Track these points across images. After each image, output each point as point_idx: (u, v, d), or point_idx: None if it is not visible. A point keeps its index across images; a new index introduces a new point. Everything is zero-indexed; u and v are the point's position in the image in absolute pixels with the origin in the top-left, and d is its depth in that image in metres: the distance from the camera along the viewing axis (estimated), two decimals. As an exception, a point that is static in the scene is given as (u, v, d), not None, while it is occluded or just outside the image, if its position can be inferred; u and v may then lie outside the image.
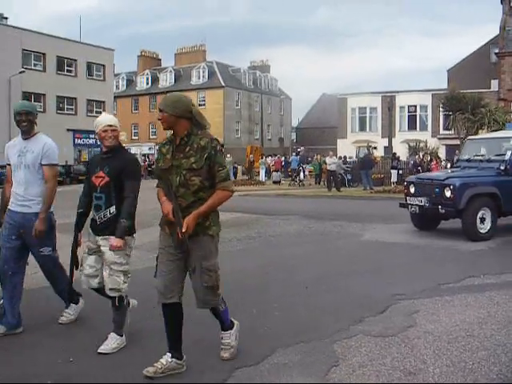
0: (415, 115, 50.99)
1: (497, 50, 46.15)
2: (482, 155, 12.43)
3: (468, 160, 12.76)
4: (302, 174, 36.15)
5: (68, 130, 45.60)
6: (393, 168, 31.62)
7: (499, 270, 8.11)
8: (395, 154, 33.69)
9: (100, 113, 49.14)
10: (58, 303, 6.49)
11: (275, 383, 4.24)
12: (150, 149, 67.73)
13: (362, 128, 53.04)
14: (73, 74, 47.14)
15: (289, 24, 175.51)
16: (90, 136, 48.23)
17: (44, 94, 44.03)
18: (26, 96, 42.15)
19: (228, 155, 45.84)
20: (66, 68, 46.53)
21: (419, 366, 4.49)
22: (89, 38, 78.92)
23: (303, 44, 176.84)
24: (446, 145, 44.74)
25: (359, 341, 5.08)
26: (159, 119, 4.36)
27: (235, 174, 41.26)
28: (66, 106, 46.64)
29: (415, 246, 10.52)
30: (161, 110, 4.32)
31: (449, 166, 26.17)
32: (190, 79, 66.49)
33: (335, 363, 4.55)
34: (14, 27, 43.29)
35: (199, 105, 64.92)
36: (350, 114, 53.40)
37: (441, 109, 39.14)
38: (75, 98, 47.13)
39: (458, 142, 38.13)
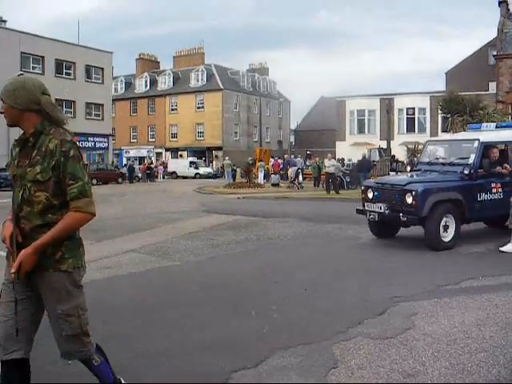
0: (413, 117, 51.06)
1: (495, 53, 46.20)
2: (444, 158, 11.87)
3: (429, 163, 12.05)
4: (300, 176, 36.15)
5: (67, 132, 45.64)
6: (392, 170, 31.64)
7: (498, 271, 8.12)
8: (394, 156, 33.72)
9: (99, 116, 49.34)
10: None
11: (274, 385, 4.24)
12: (148, 151, 67.75)
13: (361, 130, 53.08)
14: (71, 77, 47.17)
15: (288, 27, 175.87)
16: (89, 139, 48.34)
17: (43, 97, 44.06)
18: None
19: (226, 158, 45.93)
20: (64, 71, 46.56)
21: (418, 367, 4.49)
22: (87, 41, 78.93)
23: (302, 47, 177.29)
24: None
25: (358, 343, 5.08)
26: (1, 112, 3.27)
27: (234, 177, 41.23)
28: (64, 109, 46.58)
29: (413, 248, 10.51)
30: (2, 100, 3.25)
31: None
32: (189, 82, 66.54)
33: (334, 365, 4.55)
34: (12, 30, 43.31)
35: (198, 107, 65.03)
36: (349, 117, 53.44)
37: (439, 111, 39.18)
38: (74, 101, 47.13)
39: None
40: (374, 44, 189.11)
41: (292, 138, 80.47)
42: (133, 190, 33.64)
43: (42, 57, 44.36)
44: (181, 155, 65.48)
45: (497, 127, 12.51)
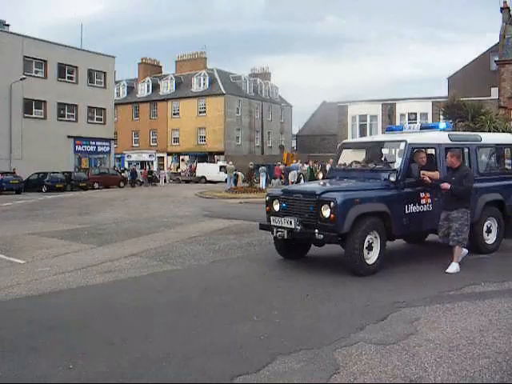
0: (415, 123, 51.04)
1: (497, 58, 46.27)
2: (364, 163, 10.26)
3: (345, 169, 10.40)
4: (302, 180, 36.12)
5: (69, 136, 45.61)
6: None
7: (500, 277, 8.11)
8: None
9: (101, 120, 49.41)
10: (56, 311, 6.51)
11: (276, 391, 4.23)
12: (150, 156, 67.76)
13: (363, 135, 52.98)
14: (74, 81, 47.20)
15: (292, 32, 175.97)
16: (91, 143, 48.38)
17: (45, 101, 44.08)
18: (27, 103, 42.42)
19: (230, 162, 45.91)
20: (67, 75, 46.59)
21: (420, 373, 4.48)
22: (90, 46, 79.17)
23: (305, 52, 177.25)
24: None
25: (360, 348, 5.07)
26: None
27: (236, 182, 41.23)
28: (66, 113, 46.63)
29: (416, 253, 10.50)
30: None
31: None
32: (191, 86, 66.58)
33: (336, 371, 4.54)
34: (15, 34, 43.35)
35: (200, 112, 65.10)
36: (351, 122, 53.43)
37: (441, 116, 39.18)
38: (76, 105, 47.16)
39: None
40: (376, 49, 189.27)
41: (294, 143, 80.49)
42: (135, 194, 33.65)
43: (45, 61, 44.41)
44: (182, 160, 65.53)
45: (421, 128, 10.73)
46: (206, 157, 63.72)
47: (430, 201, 9.30)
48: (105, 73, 50.33)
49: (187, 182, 53.94)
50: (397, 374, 4.48)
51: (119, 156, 64.59)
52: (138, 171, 51.18)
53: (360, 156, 10.67)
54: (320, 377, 4.44)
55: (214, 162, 59.37)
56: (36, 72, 44.04)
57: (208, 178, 53.01)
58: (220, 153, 62.97)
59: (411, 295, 7.05)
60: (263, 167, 41.24)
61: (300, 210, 8.80)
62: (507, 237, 10.69)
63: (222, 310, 6.54)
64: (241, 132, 66.45)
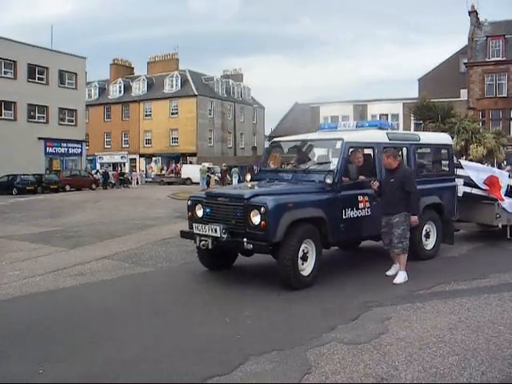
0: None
1: (466, 60, 47.03)
2: (297, 163, 9.40)
3: (276, 170, 9.56)
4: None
5: (39, 138, 44.98)
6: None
7: (470, 276, 8.23)
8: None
9: (72, 121, 48.87)
10: (25, 315, 6.42)
11: (248, 392, 4.24)
12: (122, 157, 67.28)
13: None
14: (44, 82, 46.56)
15: (265, 34, 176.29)
16: (62, 145, 47.76)
17: (15, 102, 43.40)
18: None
19: (204, 164, 45.74)
20: (37, 76, 45.93)
21: (391, 372, 4.52)
22: (61, 46, 78.09)
23: (278, 54, 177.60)
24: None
25: (332, 348, 5.10)
26: None
27: (208, 183, 41.19)
28: (37, 115, 45.97)
29: (386, 253, 10.59)
30: None
31: None
32: (163, 88, 66.26)
33: (308, 371, 4.57)
34: (-17, 34, 42.70)
35: (172, 113, 64.86)
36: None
37: (412, 117, 39.63)
38: (47, 107, 46.51)
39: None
40: (349, 52, 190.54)
41: (266, 144, 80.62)
42: (106, 196, 33.36)
43: (15, 61, 43.72)
44: (155, 161, 65.23)
45: (357, 127, 9.91)
46: (179, 158, 63.48)
47: (368, 205, 8.62)
48: (76, 74, 49.74)
49: (170, 183, 52.79)
50: (368, 372, 4.52)
51: (91, 158, 63.97)
52: (110, 173, 50.77)
53: (292, 156, 9.93)
54: (292, 377, 4.46)
55: (186, 163, 59.04)
56: (5, 73, 43.34)
57: (194, 180, 50.73)
58: (193, 154, 62.77)
59: (382, 295, 7.12)
60: (235, 168, 41.35)
61: (226, 215, 7.83)
62: (445, 242, 10.23)
63: (193, 311, 6.52)
64: (213, 133, 66.33)
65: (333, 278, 8.26)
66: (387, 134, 9.44)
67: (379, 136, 9.30)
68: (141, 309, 6.76)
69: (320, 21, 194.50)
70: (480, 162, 23.14)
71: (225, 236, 7.64)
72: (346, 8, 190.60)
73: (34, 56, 44.81)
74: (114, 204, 25.12)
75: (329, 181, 8.08)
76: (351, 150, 8.74)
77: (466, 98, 45.75)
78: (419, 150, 10.38)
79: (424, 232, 9.71)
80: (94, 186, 44.17)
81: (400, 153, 9.50)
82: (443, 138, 11.64)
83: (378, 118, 51.55)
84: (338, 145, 8.55)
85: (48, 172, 44.21)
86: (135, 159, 67.12)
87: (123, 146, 68.33)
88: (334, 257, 10.42)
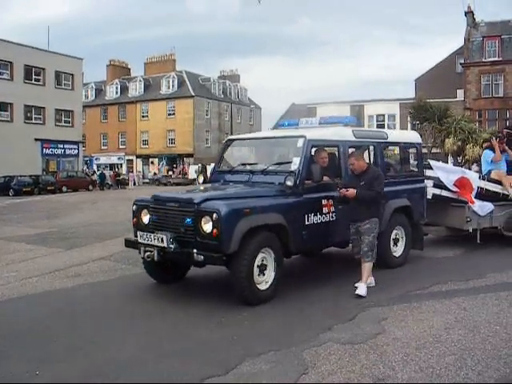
0: (383, 124, 51.63)
1: (462, 61, 47.12)
2: (254, 164, 8.49)
3: (231, 171, 8.59)
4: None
5: (36, 139, 44.93)
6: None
7: (466, 276, 8.24)
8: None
9: (69, 122, 48.81)
10: (22, 316, 6.42)
11: (245, 392, 4.24)
12: (119, 158, 67.25)
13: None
14: (41, 83, 46.51)
15: (264, 34, 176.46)
16: (59, 146, 47.72)
17: (11, 104, 43.35)
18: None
19: (200, 164, 45.71)
20: (33, 77, 45.87)
21: (388, 372, 4.53)
22: (57, 47, 78.07)
23: (275, 54, 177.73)
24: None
25: (328, 348, 5.11)
26: None
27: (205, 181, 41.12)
28: (33, 116, 45.91)
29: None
30: None
31: None
32: (160, 89, 66.27)
33: (305, 371, 4.57)
34: (-21, 35, 42.64)
35: (169, 114, 64.86)
36: (320, 124, 53.76)
37: (408, 118, 39.72)
38: (43, 108, 46.46)
39: (425, 150, 38.76)
40: (347, 52, 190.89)
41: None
42: (103, 197, 33.34)
43: (11, 62, 43.65)
44: (152, 162, 65.23)
45: (321, 124, 8.96)
46: (176, 159, 63.49)
47: (333, 209, 7.83)
48: (73, 75, 49.70)
49: (178, 184, 52.60)
50: (365, 373, 4.53)
51: (88, 159, 63.96)
52: (107, 174, 50.74)
53: (249, 155, 9.19)
54: (289, 377, 4.46)
55: (182, 164, 59.07)
56: (2, 74, 43.29)
57: (200, 181, 51.51)
58: (189, 155, 62.79)
59: (379, 295, 7.12)
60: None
61: (175, 223, 6.95)
62: (415, 247, 9.54)
63: (190, 313, 6.52)
64: (210, 134, 66.35)
65: (328, 278, 8.26)
66: (353, 131, 8.70)
67: (345, 133, 8.54)
68: (138, 310, 6.76)
69: (319, 21, 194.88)
70: (476, 161, 23.18)
71: (172, 246, 6.78)
72: (345, 8, 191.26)
73: (30, 57, 44.74)
74: (110, 205, 25.09)
75: (289, 183, 7.25)
76: (314, 148, 7.97)
77: (463, 99, 45.84)
78: (387, 149, 9.75)
79: (392, 238, 9.00)
80: (90, 187, 44.16)
81: (367, 152, 8.94)
82: (412, 136, 10.89)
83: (374, 119, 51.74)
84: (300, 143, 7.69)
85: (45, 173, 44.19)
86: (132, 160, 67.11)
87: (120, 146, 68.31)
88: (339, 257, 10.42)
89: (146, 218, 7.52)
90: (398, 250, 9.16)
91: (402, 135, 11.66)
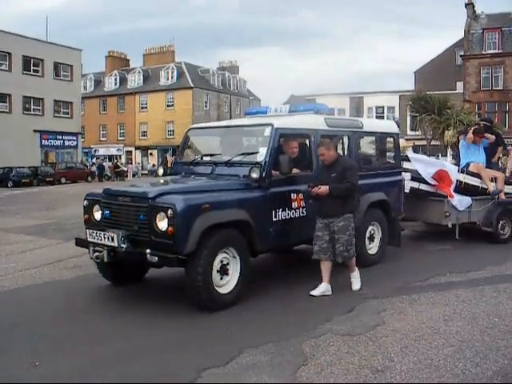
0: (383, 116, 51.59)
1: (462, 53, 47.05)
2: (217, 155, 7.81)
3: (193, 163, 7.97)
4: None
5: (35, 130, 44.86)
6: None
7: (465, 268, 8.26)
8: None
9: (68, 114, 48.71)
10: (21, 307, 6.42)
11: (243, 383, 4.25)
12: (118, 150, 67.16)
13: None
14: (39, 74, 46.37)
15: (263, 26, 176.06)
16: (58, 137, 47.64)
17: (10, 95, 43.22)
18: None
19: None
20: (32, 68, 45.72)
21: (386, 363, 4.54)
22: (56, 38, 77.76)
23: (275, 46, 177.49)
24: (414, 146, 45.38)
25: (327, 340, 5.11)
26: None
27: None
28: (32, 107, 45.79)
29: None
30: None
31: None
32: (159, 80, 66.11)
33: (304, 362, 4.58)
34: (-23, 26, 42.45)
35: (168, 106, 64.74)
36: (319, 115, 53.68)
37: (408, 110, 39.69)
38: (42, 99, 46.35)
39: (424, 142, 38.80)
40: (347, 44, 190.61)
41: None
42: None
43: (9, 53, 43.49)
44: (151, 154, 65.16)
45: (291, 111, 8.28)
46: (175, 151, 63.39)
47: (303, 203, 7.24)
48: (71, 66, 49.55)
49: None
50: (364, 364, 4.54)
51: (87, 150, 63.85)
52: (106, 165, 50.71)
53: (214, 146, 8.43)
54: (288, 369, 4.47)
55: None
56: (0, 65, 43.19)
57: None
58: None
59: (378, 287, 7.13)
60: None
61: (128, 220, 6.29)
62: (392, 244, 9.08)
63: (188, 303, 6.51)
64: (209, 126, 66.22)
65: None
66: (325, 119, 8.04)
67: (316, 122, 7.88)
68: (137, 301, 6.75)
69: (319, 13, 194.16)
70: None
71: (124, 246, 6.12)
72: (344, 0, 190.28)
73: (28, 48, 44.58)
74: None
75: (255, 175, 6.58)
76: (283, 138, 7.28)
77: (462, 91, 45.80)
78: (362, 139, 9.09)
79: (368, 234, 8.46)
80: (89, 179, 44.14)
81: (340, 142, 8.47)
82: (389, 125, 10.23)
83: (374, 111, 51.71)
84: (267, 132, 7.04)
85: (43, 164, 44.14)
86: (131, 152, 67.03)
87: (119, 138, 68.21)
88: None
89: (97, 215, 6.83)
90: (373, 248, 8.62)
91: (379, 124, 11.21)
